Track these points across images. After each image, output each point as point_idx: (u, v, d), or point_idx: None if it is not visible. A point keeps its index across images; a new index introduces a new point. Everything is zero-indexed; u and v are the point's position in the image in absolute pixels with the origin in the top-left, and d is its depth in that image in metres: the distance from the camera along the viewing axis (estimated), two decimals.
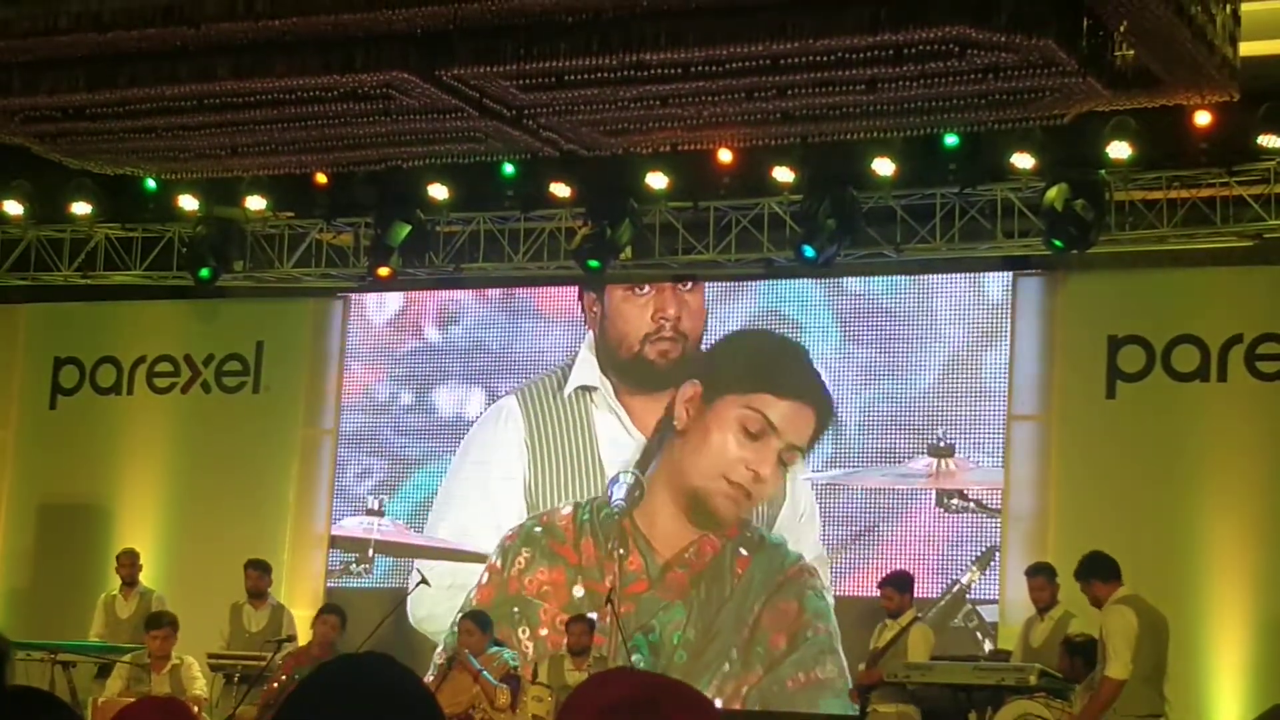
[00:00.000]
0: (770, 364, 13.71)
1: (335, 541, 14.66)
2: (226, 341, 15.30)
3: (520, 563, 13.88)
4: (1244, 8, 6.86)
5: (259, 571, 13.41)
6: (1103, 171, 12.01)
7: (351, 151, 8.39)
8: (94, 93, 7.63)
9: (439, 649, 13.64)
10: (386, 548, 14.54)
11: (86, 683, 12.94)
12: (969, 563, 12.97)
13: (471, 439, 14.45)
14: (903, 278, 13.47)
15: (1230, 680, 12.00)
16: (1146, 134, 11.60)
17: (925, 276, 13.40)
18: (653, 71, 6.91)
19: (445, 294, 14.79)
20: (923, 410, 13.25)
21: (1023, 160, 12.10)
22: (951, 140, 12.26)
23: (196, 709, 11.58)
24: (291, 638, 12.85)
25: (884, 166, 12.32)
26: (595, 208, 13.25)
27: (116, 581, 13.95)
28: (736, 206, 13.32)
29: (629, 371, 14.15)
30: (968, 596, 12.87)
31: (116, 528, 15.04)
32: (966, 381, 13.19)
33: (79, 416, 15.60)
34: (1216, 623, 12.06)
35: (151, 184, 13.87)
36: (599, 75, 7.01)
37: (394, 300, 14.92)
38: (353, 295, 14.98)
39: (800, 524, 13.39)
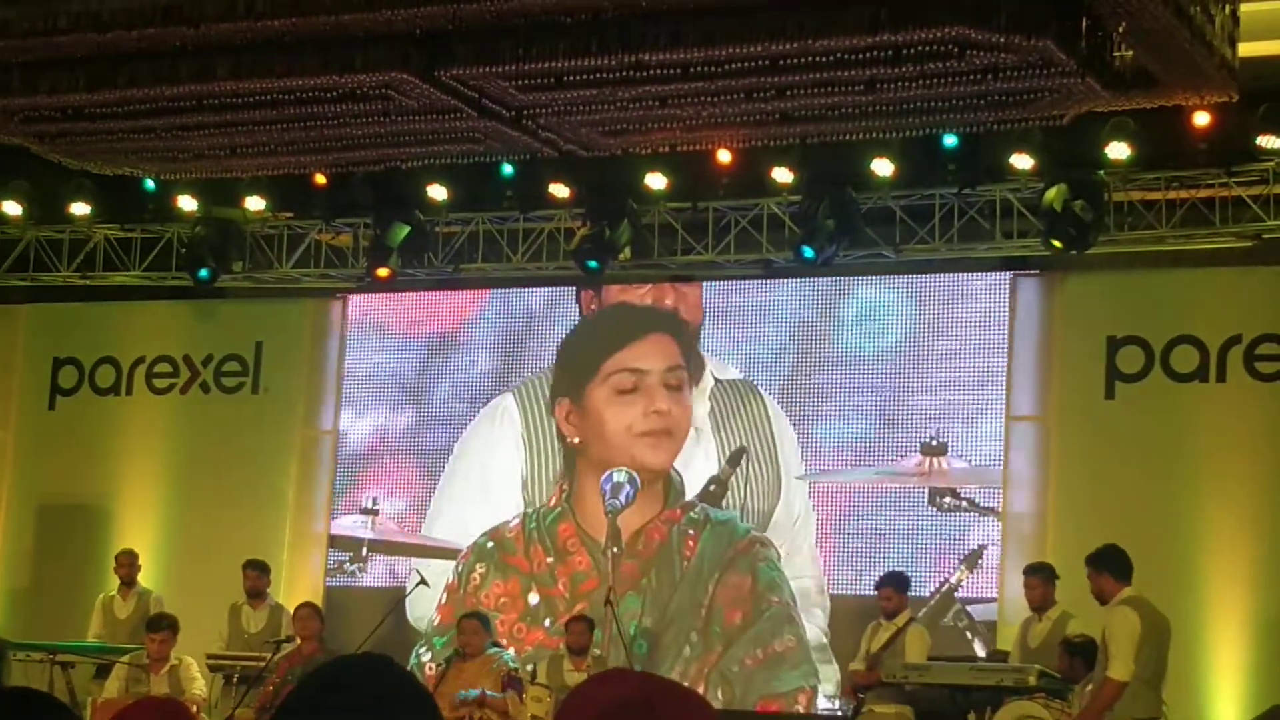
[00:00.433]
0: (595, 337, 14.05)
1: (334, 541, 14.66)
2: (225, 342, 15.30)
3: (475, 579, 13.91)
4: (1243, 8, 6.86)
5: (258, 572, 13.40)
6: (1102, 172, 12.01)
7: (350, 152, 8.38)
8: (94, 93, 7.61)
9: (423, 647, 13.68)
10: (383, 547, 14.55)
11: (85, 683, 12.94)
12: (959, 562, 12.98)
13: (469, 437, 14.46)
14: (901, 278, 13.47)
15: (1229, 681, 12.00)
16: (1145, 134, 11.60)
17: (924, 277, 13.40)
18: (652, 72, 6.90)
19: (444, 294, 14.79)
20: (922, 411, 13.25)
21: (1022, 161, 12.10)
22: (950, 141, 12.26)
23: (195, 709, 11.58)
24: (290, 638, 12.84)
25: (883, 167, 12.33)
26: (594, 208, 13.25)
27: (115, 582, 13.93)
28: (735, 207, 13.32)
29: None
30: (956, 595, 12.87)
31: (115, 528, 15.03)
32: (966, 382, 13.19)
33: (78, 417, 15.59)
34: (1215, 623, 12.06)
35: (150, 184, 13.87)
36: (598, 76, 7.00)
37: (393, 300, 14.92)
38: (352, 296, 14.98)
39: (795, 528, 13.38)
